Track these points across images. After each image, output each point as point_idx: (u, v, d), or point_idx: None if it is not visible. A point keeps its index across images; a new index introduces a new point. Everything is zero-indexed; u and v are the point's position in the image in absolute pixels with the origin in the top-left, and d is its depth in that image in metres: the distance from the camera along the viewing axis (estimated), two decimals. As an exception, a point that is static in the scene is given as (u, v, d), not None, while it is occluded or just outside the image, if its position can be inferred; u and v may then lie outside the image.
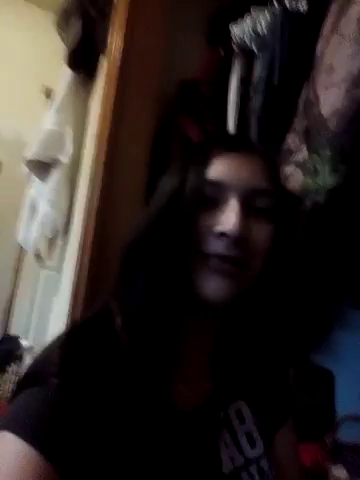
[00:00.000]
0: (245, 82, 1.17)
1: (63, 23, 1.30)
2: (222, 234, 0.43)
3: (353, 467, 0.74)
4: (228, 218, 0.44)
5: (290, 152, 0.63)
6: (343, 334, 1.15)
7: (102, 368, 0.41)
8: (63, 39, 1.31)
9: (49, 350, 0.43)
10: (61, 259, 1.34)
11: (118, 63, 1.06)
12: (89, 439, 0.37)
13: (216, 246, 0.44)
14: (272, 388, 0.57)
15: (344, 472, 0.69)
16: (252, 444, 0.49)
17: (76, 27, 1.20)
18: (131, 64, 1.08)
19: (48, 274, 2.27)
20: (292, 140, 0.63)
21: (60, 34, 1.31)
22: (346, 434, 0.96)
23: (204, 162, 0.46)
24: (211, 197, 0.45)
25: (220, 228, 0.44)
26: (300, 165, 0.59)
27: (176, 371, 0.46)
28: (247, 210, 0.45)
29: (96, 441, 0.37)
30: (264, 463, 0.49)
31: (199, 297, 0.45)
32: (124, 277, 0.48)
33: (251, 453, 0.49)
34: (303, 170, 0.58)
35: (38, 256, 1.40)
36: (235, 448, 0.48)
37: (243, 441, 0.49)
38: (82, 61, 1.26)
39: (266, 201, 0.46)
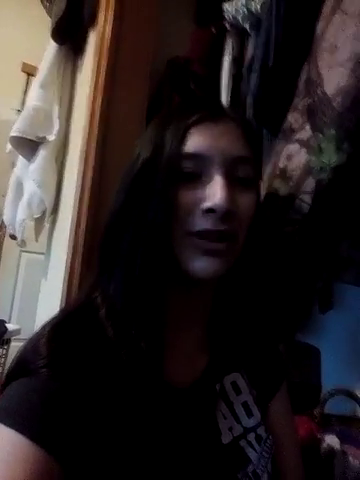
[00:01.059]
0: (237, 61, 1.16)
1: (47, -7, 1.24)
2: (209, 210, 0.42)
3: (342, 435, 0.78)
4: (214, 193, 0.42)
5: (292, 130, 0.63)
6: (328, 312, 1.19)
7: (91, 356, 0.40)
8: (47, 10, 1.24)
9: (36, 340, 0.41)
10: (49, 242, 1.31)
11: (109, 37, 1.03)
12: (84, 426, 0.37)
13: (203, 223, 0.42)
14: (265, 356, 0.58)
15: (336, 440, 0.73)
16: (249, 413, 0.51)
17: (62, -3, 1.14)
18: (122, 39, 1.05)
19: (30, 257, 2.24)
20: (294, 119, 0.64)
21: (44, 5, 1.24)
22: (333, 407, 1.01)
23: (180, 134, 0.43)
24: (191, 171, 0.43)
25: (207, 204, 0.42)
26: (304, 144, 0.59)
27: (171, 350, 0.45)
28: (231, 181, 0.43)
29: (92, 427, 0.37)
30: (261, 430, 0.51)
31: (188, 275, 0.44)
32: (103, 264, 0.47)
33: (248, 422, 0.50)
34: (307, 148, 0.59)
35: (22, 239, 1.36)
36: (233, 418, 0.49)
37: (240, 411, 0.50)
38: (68, 33, 1.21)
39: (248, 169, 0.45)
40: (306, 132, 0.60)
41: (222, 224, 0.42)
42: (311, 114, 0.60)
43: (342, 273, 0.66)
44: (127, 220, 0.44)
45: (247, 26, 1.13)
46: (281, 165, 0.63)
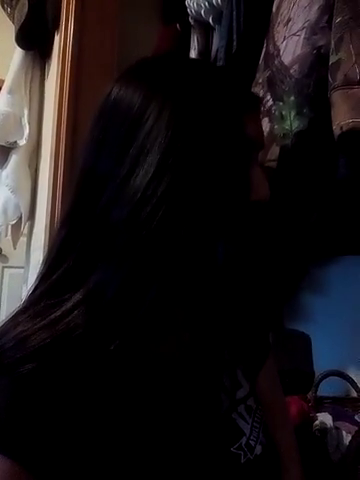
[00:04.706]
0: (204, 55, 1.17)
1: (8, -1, 1.24)
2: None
3: (335, 413, 0.77)
4: (264, 184, 0.43)
5: (255, 105, 0.64)
6: (315, 297, 1.19)
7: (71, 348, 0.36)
8: (9, 15, 1.24)
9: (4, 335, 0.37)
10: (27, 251, 1.28)
11: (72, 39, 1.03)
12: (60, 423, 0.33)
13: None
14: (251, 327, 0.57)
15: (329, 417, 0.72)
16: (238, 386, 0.50)
17: (23, 1, 1.14)
18: (86, 41, 1.05)
19: (12, 272, 2.20)
20: (256, 92, 0.64)
21: (5, 10, 1.24)
22: (325, 389, 1.00)
23: (238, 118, 0.42)
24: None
25: (256, 197, 0.43)
26: (266, 113, 0.60)
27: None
28: None
29: (78, 425, 0.34)
30: (251, 401, 0.50)
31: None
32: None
33: (237, 394, 0.49)
34: (269, 117, 0.59)
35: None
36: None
37: (228, 384, 0.49)
38: (33, 38, 1.21)
39: None
40: (267, 102, 0.60)
41: None
42: (271, 84, 0.61)
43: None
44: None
45: (210, 19, 1.15)
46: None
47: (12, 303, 2.04)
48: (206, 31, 1.19)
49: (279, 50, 0.61)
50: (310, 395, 0.96)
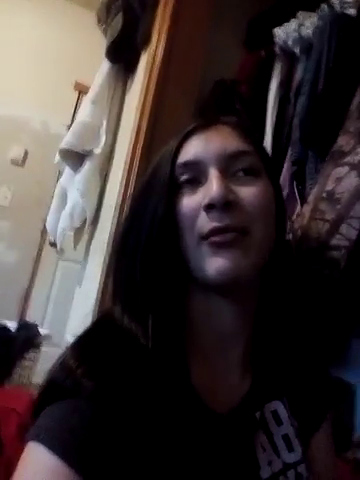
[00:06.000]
0: (285, 84, 1.16)
1: (104, 15, 1.31)
2: (209, 206, 0.41)
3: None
4: (210, 188, 0.42)
5: (342, 153, 0.62)
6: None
7: (131, 376, 0.38)
8: (103, 31, 1.31)
9: (72, 359, 0.39)
10: (86, 251, 1.34)
11: (160, 58, 1.07)
12: (124, 451, 0.35)
13: (209, 223, 0.41)
14: (311, 384, 0.53)
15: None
16: (290, 448, 0.47)
17: (117, 19, 1.20)
18: (173, 60, 1.09)
19: (66, 265, 2.30)
20: (345, 141, 0.62)
21: (100, 26, 1.31)
22: (365, 452, 0.93)
23: (174, 148, 0.45)
24: (189, 179, 0.44)
25: (205, 201, 0.41)
26: (355, 167, 0.57)
27: (211, 371, 0.44)
28: (231, 175, 0.44)
29: (131, 453, 0.35)
30: (302, 468, 0.47)
31: (208, 283, 0.42)
32: (118, 279, 0.48)
33: (289, 457, 0.46)
34: (358, 172, 0.56)
35: (61, 248, 1.40)
36: (272, 452, 0.45)
37: (280, 444, 0.46)
38: (121, 54, 1.27)
39: (249, 160, 0.45)
40: (358, 155, 0.58)
41: (227, 217, 0.41)
42: (364, 137, 0.58)
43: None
44: (132, 239, 0.46)
45: (297, 50, 1.14)
46: (329, 187, 0.61)
47: (62, 295, 2.14)
48: (290, 61, 1.18)
49: (377, 102, 0.59)
50: (350, 455, 0.91)
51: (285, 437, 0.47)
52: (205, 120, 0.49)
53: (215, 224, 0.41)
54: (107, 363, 0.39)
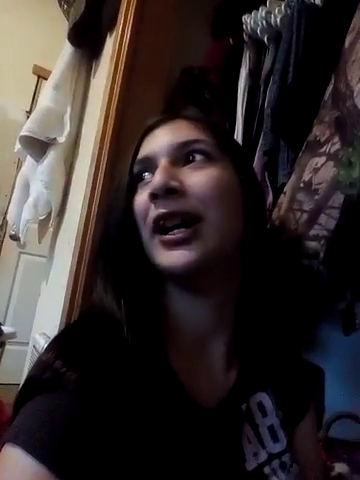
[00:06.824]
0: (254, 72, 1.16)
1: (66, -4, 1.23)
2: (153, 196, 0.42)
3: (352, 464, 0.75)
4: (154, 178, 0.43)
5: (318, 143, 0.62)
6: (331, 329, 1.16)
7: (113, 369, 0.37)
8: (64, 12, 1.24)
9: (51, 352, 0.38)
10: (52, 245, 1.28)
11: (127, 42, 1.02)
12: (108, 450, 0.33)
13: (155, 212, 0.43)
14: (293, 374, 0.54)
15: (347, 468, 0.70)
16: (275, 438, 0.48)
17: (80, 0, 1.14)
18: (141, 45, 1.05)
19: (29, 258, 2.20)
20: (321, 132, 0.62)
21: (61, 7, 1.24)
22: (336, 431, 0.97)
23: (135, 147, 0.48)
24: (143, 175, 0.46)
25: (149, 190, 0.43)
26: (331, 157, 0.58)
27: (196, 364, 0.44)
28: (183, 164, 0.44)
29: (116, 451, 0.34)
30: (286, 458, 0.48)
31: (164, 272, 0.44)
32: (98, 276, 0.48)
33: (274, 448, 0.47)
34: (335, 162, 0.57)
35: (24, 241, 1.33)
36: (258, 443, 0.46)
37: (265, 435, 0.47)
38: (85, 37, 1.20)
39: (199, 147, 0.45)
40: (334, 145, 0.58)
41: (171, 204, 0.42)
42: (340, 127, 0.58)
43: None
44: (106, 235, 0.48)
45: (265, 38, 1.13)
46: (306, 178, 0.61)
47: (25, 291, 2.05)
48: (259, 49, 1.17)
49: (352, 91, 0.59)
50: (321, 435, 0.94)
51: (270, 428, 0.48)
52: (164, 116, 0.50)
53: (160, 210, 0.42)
54: (89, 355, 0.38)
